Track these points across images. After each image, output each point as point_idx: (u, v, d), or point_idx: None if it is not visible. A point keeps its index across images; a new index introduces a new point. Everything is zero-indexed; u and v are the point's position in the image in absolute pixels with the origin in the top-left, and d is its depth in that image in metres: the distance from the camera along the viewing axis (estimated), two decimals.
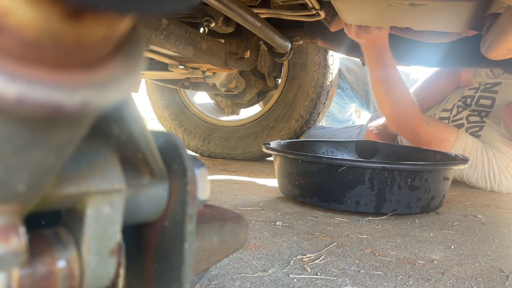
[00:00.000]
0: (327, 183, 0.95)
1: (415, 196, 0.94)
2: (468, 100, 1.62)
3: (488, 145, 1.43)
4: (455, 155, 1.08)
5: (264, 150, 1.08)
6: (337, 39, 1.51)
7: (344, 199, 0.93)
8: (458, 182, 1.51)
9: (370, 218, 0.92)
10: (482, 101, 1.58)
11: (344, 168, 0.92)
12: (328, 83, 1.81)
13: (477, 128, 1.52)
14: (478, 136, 1.50)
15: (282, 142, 1.21)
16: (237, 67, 1.35)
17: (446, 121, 1.63)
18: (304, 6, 1.17)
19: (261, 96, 1.97)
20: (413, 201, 0.94)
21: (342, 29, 1.34)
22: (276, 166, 1.09)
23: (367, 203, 0.93)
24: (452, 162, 1.01)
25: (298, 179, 1.00)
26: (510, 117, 1.42)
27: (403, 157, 1.21)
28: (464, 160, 1.00)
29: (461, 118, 1.58)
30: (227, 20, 1.18)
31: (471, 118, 1.55)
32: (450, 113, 1.64)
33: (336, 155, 1.30)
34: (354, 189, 0.92)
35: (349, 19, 1.15)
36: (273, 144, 1.13)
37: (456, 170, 1.41)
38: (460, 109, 1.60)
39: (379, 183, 0.91)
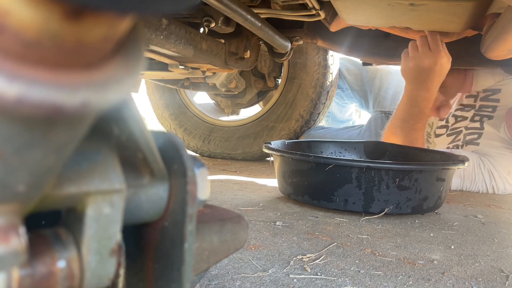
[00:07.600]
0: (316, 181, 0.96)
1: (405, 196, 0.93)
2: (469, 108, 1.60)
3: (486, 155, 1.41)
4: (460, 156, 1.06)
5: (264, 149, 1.08)
6: (337, 39, 1.51)
7: (332, 197, 0.93)
8: None
9: (370, 218, 0.92)
10: (484, 109, 1.55)
11: (331, 166, 0.92)
12: (328, 83, 1.81)
13: (476, 136, 1.50)
14: (476, 144, 1.48)
15: (287, 142, 1.20)
16: (237, 67, 1.35)
17: (444, 130, 1.61)
18: (304, 6, 1.17)
19: (261, 96, 1.97)
20: (403, 201, 0.93)
21: (342, 29, 1.34)
22: (275, 165, 1.09)
23: (355, 202, 0.92)
24: (444, 163, 1.00)
25: (291, 177, 1.01)
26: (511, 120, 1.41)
27: (411, 158, 1.19)
28: (463, 162, 0.99)
29: (460, 127, 1.57)
30: (227, 20, 1.18)
31: (470, 125, 1.54)
32: (448, 122, 1.62)
33: (344, 156, 1.29)
34: (342, 187, 0.92)
35: (349, 19, 1.15)
36: (277, 144, 1.12)
37: (455, 178, 1.40)
38: (459, 119, 1.58)
39: (366, 182, 0.91)
